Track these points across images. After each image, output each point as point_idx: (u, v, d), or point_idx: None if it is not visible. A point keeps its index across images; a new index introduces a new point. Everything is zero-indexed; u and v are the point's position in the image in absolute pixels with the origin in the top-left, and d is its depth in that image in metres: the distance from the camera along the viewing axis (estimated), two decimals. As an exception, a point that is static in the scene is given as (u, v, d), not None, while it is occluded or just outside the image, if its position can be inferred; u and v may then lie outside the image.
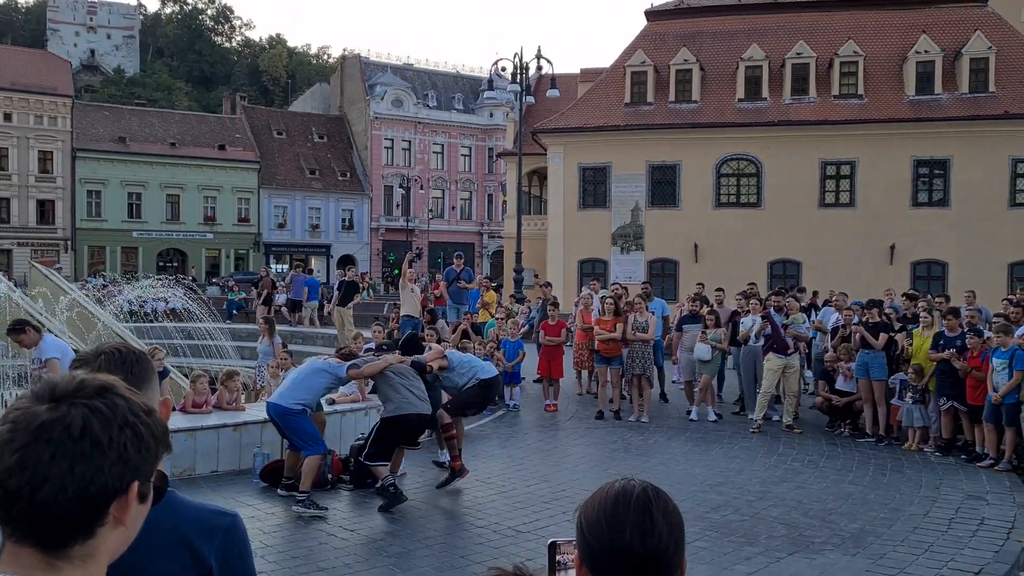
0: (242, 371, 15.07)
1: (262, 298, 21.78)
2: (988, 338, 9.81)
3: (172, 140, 54.35)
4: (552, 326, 12.98)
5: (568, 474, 8.93)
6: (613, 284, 15.04)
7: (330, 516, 7.17)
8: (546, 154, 34.01)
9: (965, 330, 10.03)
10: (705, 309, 13.42)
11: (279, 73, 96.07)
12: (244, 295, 28.40)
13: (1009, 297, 13.59)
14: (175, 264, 54.92)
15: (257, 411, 9.44)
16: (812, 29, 32.50)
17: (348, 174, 60.42)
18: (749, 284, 15.72)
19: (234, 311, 23.77)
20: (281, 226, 57.66)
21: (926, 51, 30.66)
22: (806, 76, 31.82)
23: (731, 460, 9.55)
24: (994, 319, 10.83)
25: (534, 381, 13.91)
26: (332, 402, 9.89)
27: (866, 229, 30.01)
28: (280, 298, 22.95)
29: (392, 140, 61.39)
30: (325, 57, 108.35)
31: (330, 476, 8.11)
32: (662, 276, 31.44)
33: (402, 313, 15.03)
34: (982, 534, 6.77)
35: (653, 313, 13.48)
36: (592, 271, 32.24)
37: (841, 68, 31.52)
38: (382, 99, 60.82)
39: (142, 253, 53.04)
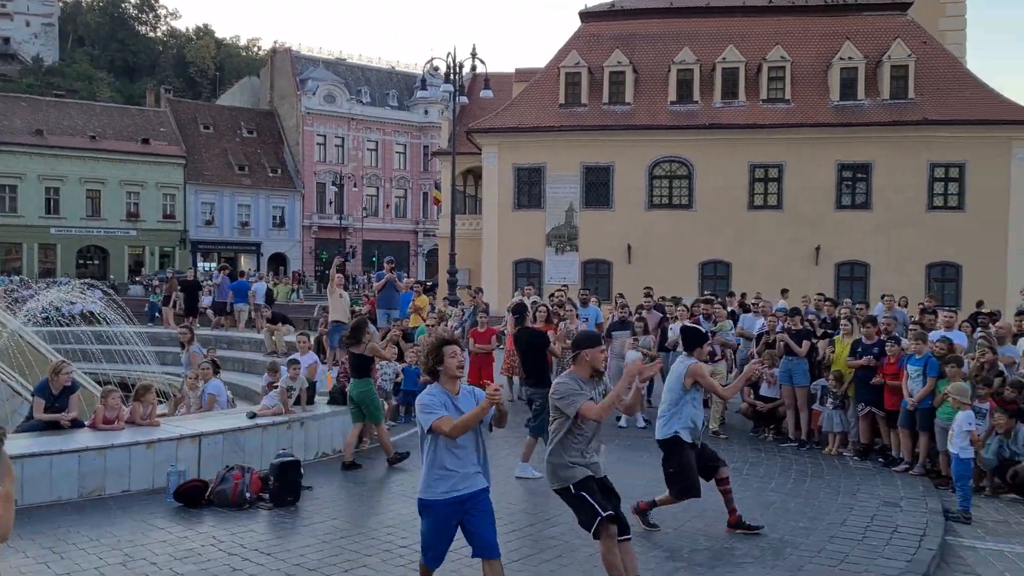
0: (162, 378, 14.60)
1: (171, 302, 21.04)
2: (906, 345, 10.08)
3: (92, 133, 52.50)
4: (482, 333, 12.87)
5: (498, 485, 8.72)
6: (559, 290, 14.96)
7: (246, 538, 6.93)
8: (481, 153, 33.91)
9: (882, 337, 10.30)
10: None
11: (206, 65, 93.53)
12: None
13: (923, 303, 14.03)
14: (96, 262, 53.09)
15: (173, 427, 9.11)
16: (741, 34, 33.13)
17: (279, 170, 59.29)
18: (645, 288, 15.87)
19: (156, 313, 23.00)
20: (209, 223, 56.27)
21: (850, 58, 31.56)
22: (736, 80, 32.43)
23: (658, 469, 9.55)
24: (911, 325, 11.14)
25: (465, 388, 13.79)
26: (253, 416, 9.61)
27: (793, 231, 30.78)
28: (205, 300, 22.31)
29: (324, 136, 60.48)
30: (255, 50, 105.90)
31: (248, 495, 7.85)
32: (596, 277, 31.68)
33: (331, 319, 14.79)
34: (895, 542, 6.92)
35: (586, 320, 13.51)
36: (527, 271, 32.33)
37: (769, 73, 32.23)
38: (314, 94, 59.85)
39: (60, 250, 51.12)
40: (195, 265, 47.89)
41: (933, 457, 9.51)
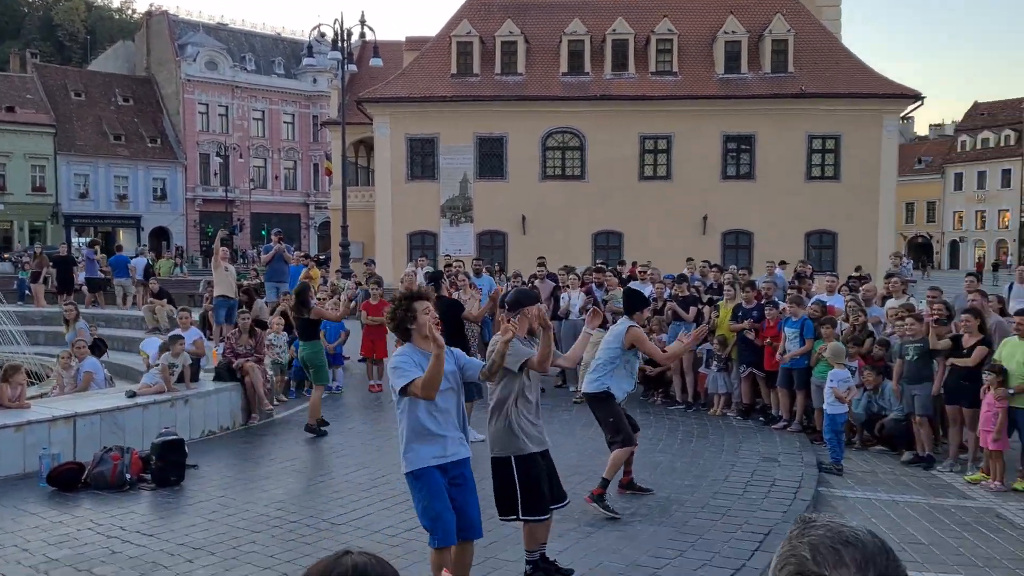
0: (33, 359, 13.79)
1: (40, 279, 20.06)
2: (783, 308, 10.55)
3: (-50, 99, 48.65)
4: (374, 305, 12.70)
5: (390, 459, 8.73)
6: (456, 260, 14.86)
7: (127, 520, 6.65)
8: (372, 124, 33.26)
9: (762, 301, 10.74)
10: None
11: (76, 28, 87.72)
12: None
13: (799, 271, 14.71)
14: (-42, 238, 49.51)
15: (44, 408, 8.62)
16: (630, 6, 33.55)
17: (159, 140, 56.52)
18: (539, 258, 16.03)
19: (26, 291, 21.64)
20: (83, 196, 53.18)
21: (733, 31, 32.47)
22: (625, 52, 32.87)
23: (552, 434, 9.54)
24: (788, 290, 11.67)
25: (358, 361, 13.64)
26: (133, 394, 9.20)
27: (682, 201, 31.60)
28: (79, 276, 21.16)
29: (207, 105, 57.90)
30: (129, 13, 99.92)
31: (128, 476, 7.53)
32: (491, 248, 31.72)
33: (216, 293, 14.30)
34: (773, 495, 7.28)
35: (480, 290, 13.50)
36: (422, 244, 32.05)
37: (657, 45, 32.80)
38: (194, 60, 57.14)
39: (-83, 226, 47.41)
40: (68, 240, 45.24)
41: (810, 414, 10.03)
